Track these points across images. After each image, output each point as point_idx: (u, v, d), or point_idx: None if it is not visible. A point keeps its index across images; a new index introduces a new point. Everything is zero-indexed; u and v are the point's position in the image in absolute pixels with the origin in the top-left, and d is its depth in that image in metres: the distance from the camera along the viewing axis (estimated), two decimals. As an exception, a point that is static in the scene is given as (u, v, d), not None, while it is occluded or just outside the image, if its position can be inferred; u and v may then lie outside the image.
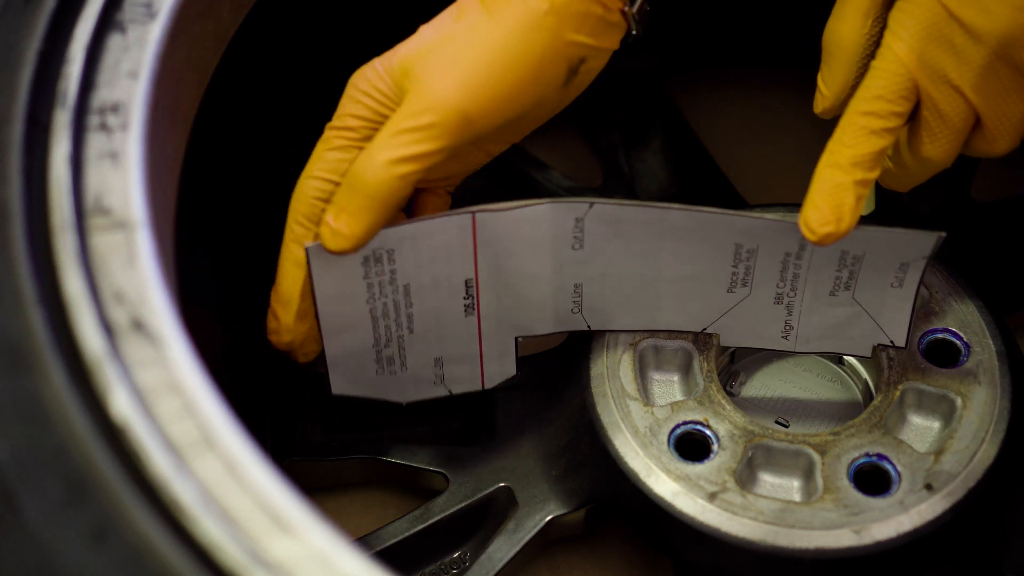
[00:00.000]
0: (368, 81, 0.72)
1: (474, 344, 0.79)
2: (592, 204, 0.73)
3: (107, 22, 0.67)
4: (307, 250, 0.72)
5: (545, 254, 0.75)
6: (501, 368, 0.81)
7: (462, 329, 0.78)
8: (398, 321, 0.77)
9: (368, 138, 0.72)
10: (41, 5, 0.67)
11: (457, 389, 0.82)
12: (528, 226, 0.74)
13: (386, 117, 0.71)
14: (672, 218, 0.73)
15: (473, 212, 0.73)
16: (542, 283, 0.77)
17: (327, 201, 0.72)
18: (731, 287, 0.77)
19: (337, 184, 0.72)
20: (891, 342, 0.79)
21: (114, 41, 0.67)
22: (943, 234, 0.73)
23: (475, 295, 0.77)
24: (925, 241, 0.73)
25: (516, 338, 0.80)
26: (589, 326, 0.80)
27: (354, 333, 0.76)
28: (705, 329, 0.80)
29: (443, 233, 0.73)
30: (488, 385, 0.82)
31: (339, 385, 0.79)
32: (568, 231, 0.74)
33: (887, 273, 0.75)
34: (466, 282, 0.76)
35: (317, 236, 0.72)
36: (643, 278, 0.77)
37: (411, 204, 0.77)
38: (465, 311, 0.77)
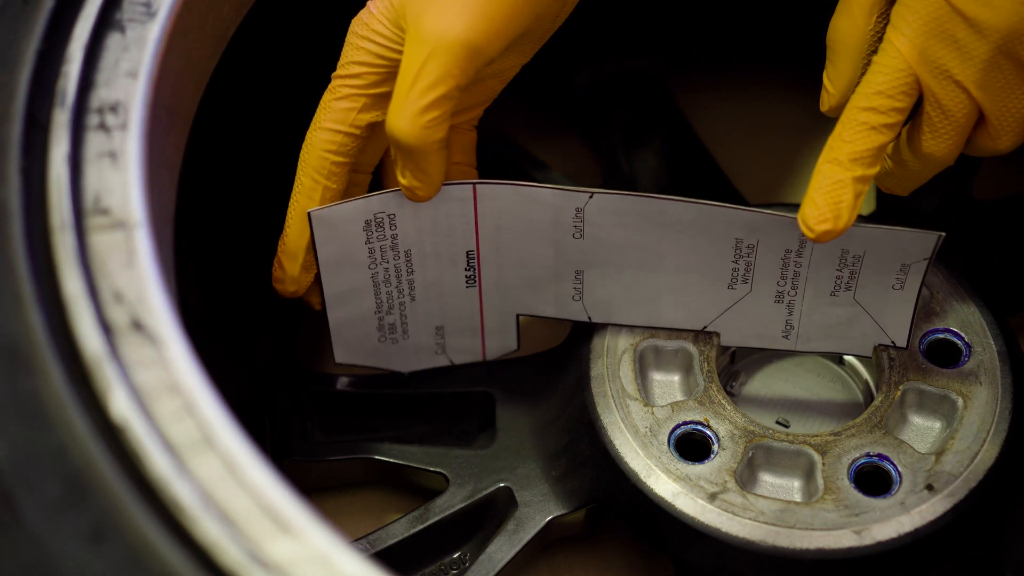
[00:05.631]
0: (366, 25, 0.72)
1: (475, 316, 0.80)
2: (592, 194, 0.73)
3: (106, 22, 0.67)
4: (310, 215, 0.73)
5: (545, 238, 0.76)
6: (502, 342, 0.82)
7: (463, 300, 0.79)
8: (399, 288, 0.78)
9: (374, 83, 0.73)
10: (40, 4, 0.66)
11: (458, 359, 0.83)
12: (529, 206, 0.74)
13: (389, 60, 0.72)
14: (672, 210, 0.73)
15: (474, 184, 0.73)
16: (543, 265, 0.77)
17: (336, 152, 0.74)
18: (732, 283, 0.77)
19: (346, 134, 0.73)
20: (892, 343, 0.79)
21: (113, 41, 0.67)
22: (943, 234, 0.73)
23: (476, 267, 0.77)
24: (925, 241, 0.73)
25: (517, 315, 0.80)
26: (590, 317, 0.80)
27: (356, 300, 0.78)
28: (706, 327, 0.80)
29: (444, 202, 0.74)
30: (489, 357, 0.83)
31: (342, 354, 0.81)
32: (568, 220, 0.74)
33: (888, 274, 0.75)
34: (467, 253, 0.76)
35: (324, 191, 0.74)
36: (644, 269, 0.77)
37: None
38: (466, 282, 0.78)
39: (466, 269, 0.77)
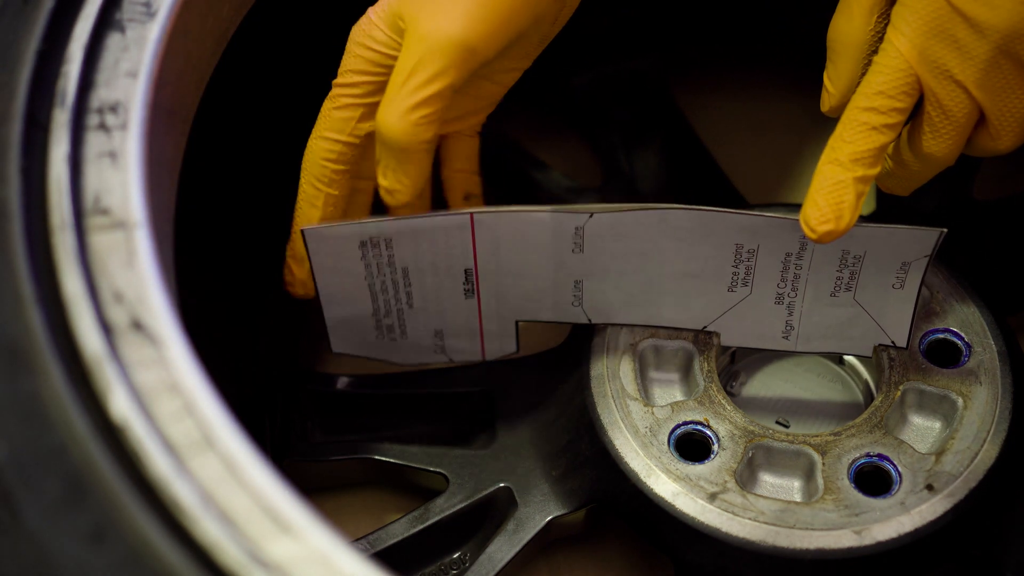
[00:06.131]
0: (364, 32, 0.72)
1: (474, 322, 0.80)
2: (592, 214, 0.73)
3: (106, 22, 0.67)
4: (303, 232, 0.73)
5: (545, 254, 0.76)
6: (501, 345, 0.82)
7: (462, 309, 0.79)
8: (397, 296, 0.78)
9: (373, 92, 0.73)
10: (40, 4, 0.66)
11: (458, 358, 0.83)
12: (527, 228, 0.74)
13: (387, 67, 0.72)
14: (672, 219, 0.73)
15: (472, 213, 0.73)
16: (541, 278, 0.77)
17: (335, 161, 0.74)
18: (732, 286, 0.77)
19: (345, 143, 0.74)
20: (892, 342, 0.79)
21: (113, 40, 0.67)
22: (944, 230, 0.72)
23: (475, 282, 0.77)
24: (926, 238, 0.73)
25: (517, 321, 0.80)
26: (590, 320, 0.80)
27: (353, 303, 0.78)
28: (706, 328, 0.80)
29: (443, 231, 0.74)
30: (488, 358, 0.83)
31: (339, 345, 0.81)
32: (568, 237, 0.74)
33: (888, 274, 0.75)
34: (465, 271, 0.76)
35: (327, 197, 0.74)
36: (644, 275, 0.77)
37: (440, 152, 0.79)
38: (465, 294, 0.78)
39: (464, 283, 0.77)
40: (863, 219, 0.71)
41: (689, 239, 0.74)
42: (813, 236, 0.68)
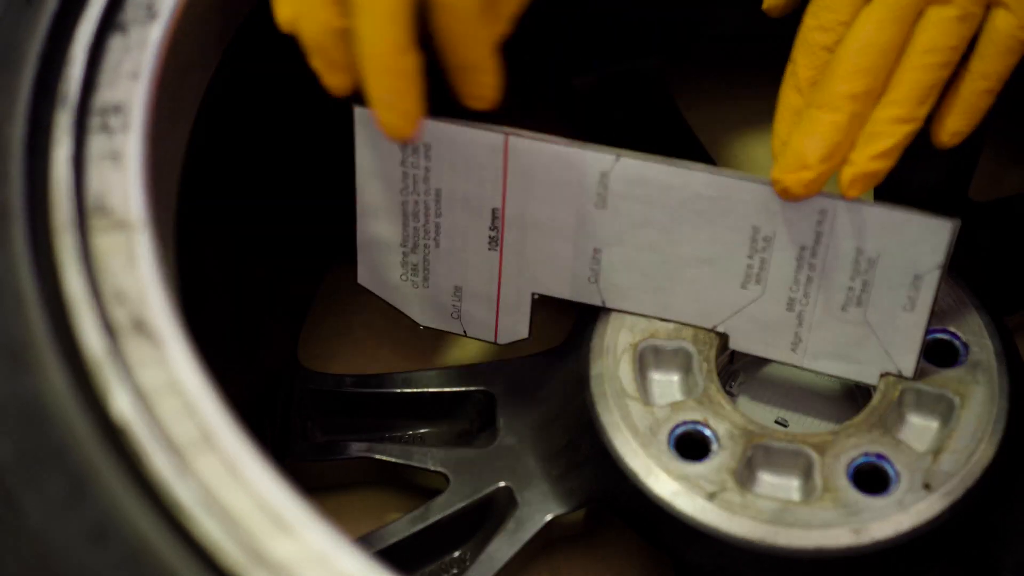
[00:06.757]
0: None
1: (493, 284, 0.80)
2: (619, 157, 0.73)
3: (108, 23, 0.67)
4: (354, 111, 0.73)
5: (570, 204, 0.76)
6: (515, 324, 0.82)
7: (484, 263, 0.79)
8: (426, 228, 0.78)
9: None
10: (42, 6, 0.67)
11: (472, 331, 0.83)
12: (558, 168, 0.74)
13: None
14: (695, 183, 0.74)
15: (507, 134, 0.73)
16: (563, 237, 0.77)
17: None
18: (745, 282, 0.77)
19: None
20: (899, 372, 0.79)
21: (115, 42, 0.67)
22: (957, 221, 0.72)
23: (500, 229, 0.77)
24: (940, 230, 0.72)
25: (533, 294, 0.80)
26: (604, 301, 0.80)
27: (385, 223, 0.78)
28: (716, 327, 0.80)
29: (476, 146, 0.74)
30: (500, 340, 0.83)
31: (365, 276, 0.81)
32: (593, 185, 0.74)
33: (899, 290, 0.74)
34: (493, 211, 0.77)
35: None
36: (660, 255, 0.77)
37: None
38: (489, 243, 0.78)
39: (490, 228, 0.77)
40: (876, 199, 0.71)
41: (708, 213, 0.74)
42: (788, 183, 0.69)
